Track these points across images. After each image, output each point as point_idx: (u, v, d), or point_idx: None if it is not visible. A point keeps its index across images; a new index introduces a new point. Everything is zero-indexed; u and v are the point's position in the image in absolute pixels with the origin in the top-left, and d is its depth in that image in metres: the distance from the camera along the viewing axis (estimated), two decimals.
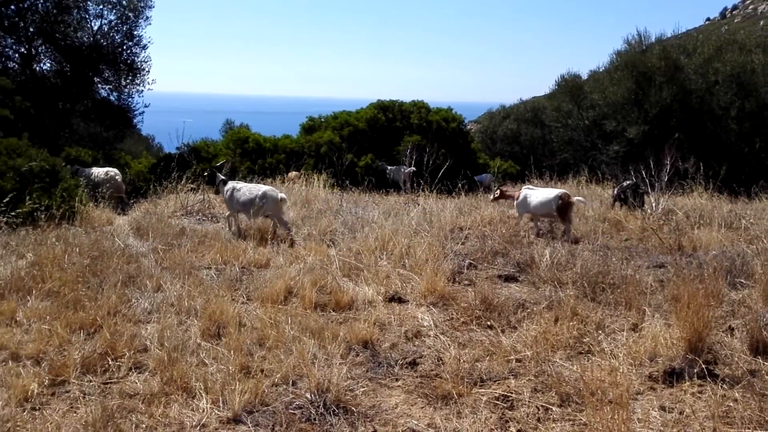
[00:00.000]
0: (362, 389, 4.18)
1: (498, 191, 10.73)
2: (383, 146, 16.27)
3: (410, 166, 15.23)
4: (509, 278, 7.15)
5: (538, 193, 9.53)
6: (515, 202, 9.88)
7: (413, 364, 4.64)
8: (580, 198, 9.64)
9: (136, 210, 11.25)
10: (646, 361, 4.65)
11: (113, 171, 11.23)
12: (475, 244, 8.52)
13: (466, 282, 6.89)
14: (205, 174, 12.27)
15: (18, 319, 5.27)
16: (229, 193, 9.38)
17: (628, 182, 11.45)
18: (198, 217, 10.56)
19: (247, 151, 15.76)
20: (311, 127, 16.50)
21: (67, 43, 16.51)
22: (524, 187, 10.28)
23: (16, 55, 16.50)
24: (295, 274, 6.59)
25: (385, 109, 16.61)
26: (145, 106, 18.56)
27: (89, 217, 10.11)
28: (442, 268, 6.85)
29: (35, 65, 16.56)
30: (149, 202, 12.04)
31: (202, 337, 4.97)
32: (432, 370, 4.52)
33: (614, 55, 21.16)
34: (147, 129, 29.66)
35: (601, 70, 22.25)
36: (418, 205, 12.61)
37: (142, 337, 4.89)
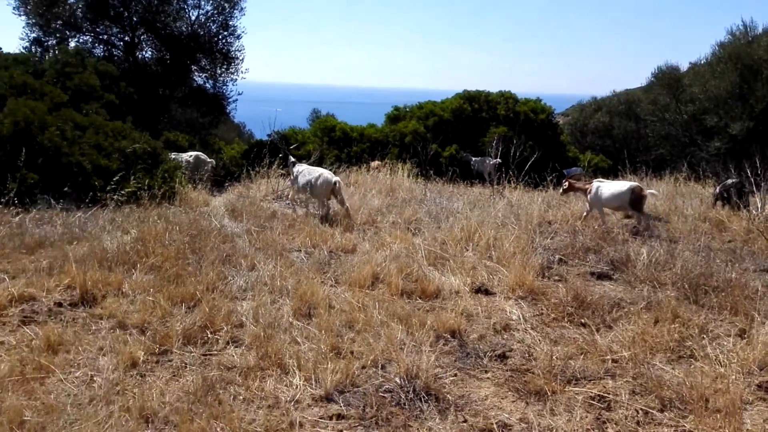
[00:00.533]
0: (451, 378, 4.15)
1: (566, 183, 10.42)
2: (468, 137, 16.07)
3: (496, 158, 14.97)
4: (602, 276, 6.88)
5: (610, 186, 9.32)
6: (588, 196, 9.61)
7: (503, 357, 4.56)
8: (652, 190, 9.44)
9: (230, 193, 11.69)
10: (756, 369, 4.34)
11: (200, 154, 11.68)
12: (565, 240, 8.27)
13: (556, 277, 6.69)
14: (280, 156, 12.64)
15: (124, 290, 5.59)
16: (295, 174, 9.89)
17: (731, 180, 10.73)
18: (287, 202, 10.83)
19: (334, 140, 16.01)
20: (396, 116, 16.53)
21: (167, 32, 17.36)
22: (595, 180, 10.00)
23: (121, 43, 17.52)
24: (382, 261, 6.63)
25: (471, 99, 16.39)
26: (239, 94, 19.26)
27: (187, 198, 10.63)
28: (531, 262, 6.69)
29: (137, 53, 17.52)
30: (242, 186, 12.49)
31: (293, 317, 5.09)
32: (522, 365, 4.42)
33: (717, 47, 19.84)
34: (238, 117, 30.79)
35: (702, 62, 20.96)
36: (504, 197, 12.40)
37: (238, 313, 5.07)
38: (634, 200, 8.92)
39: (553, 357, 4.46)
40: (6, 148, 8.94)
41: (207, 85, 19.04)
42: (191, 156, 13.25)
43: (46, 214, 8.32)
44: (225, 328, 4.75)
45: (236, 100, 19.33)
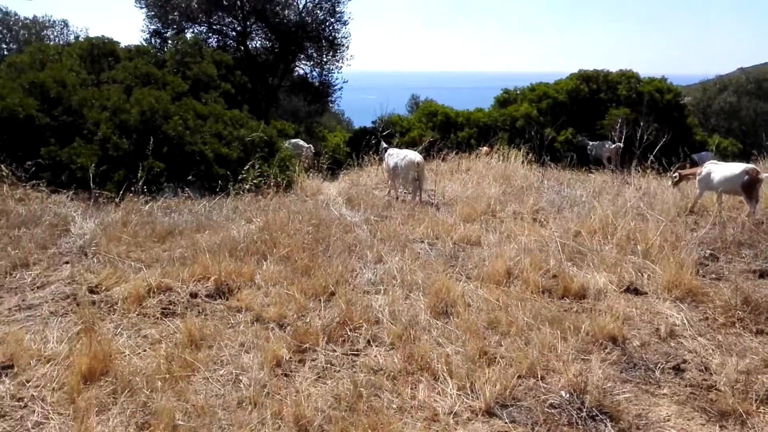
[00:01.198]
0: (625, 394, 3.67)
1: (677, 175, 9.55)
2: (585, 120, 15.12)
3: (616, 142, 13.99)
4: (765, 274, 6.09)
5: (722, 168, 8.52)
6: (697, 178, 8.72)
7: (677, 369, 4.02)
8: None
9: (341, 181, 11.60)
10: None
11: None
12: (710, 232, 7.45)
13: (713, 276, 5.98)
14: (373, 142, 12.51)
15: (257, 281, 5.51)
16: (386, 158, 10.16)
17: None
18: (400, 190, 10.57)
19: (438, 125, 15.59)
20: (506, 100, 15.85)
21: (276, 21, 17.56)
22: (708, 162, 9.07)
23: (233, 33, 17.92)
24: (514, 255, 6.18)
25: (588, 79, 15.39)
26: (344, 82, 19.24)
27: (302, 186, 10.63)
28: (684, 258, 6.00)
29: (249, 42, 17.86)
30: (353, 174, 12.41)
31: (431, 314, 4.78)
32: (704, 380, 3.86)
33: None
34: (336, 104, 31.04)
35: None
36: (629, 184, 11.51)
37: (374, 309, 4.82)
38: (748, 184, 8.11)
39: (736, 370, 3.87)
40: (133, 137, 9.25)
41: (313, 73, 19.17)
42: (289, 143, 13.36)
43: (173, 202, 8.51)
44: (364, 326, 4.51)
45: (341, 88, 19.35)
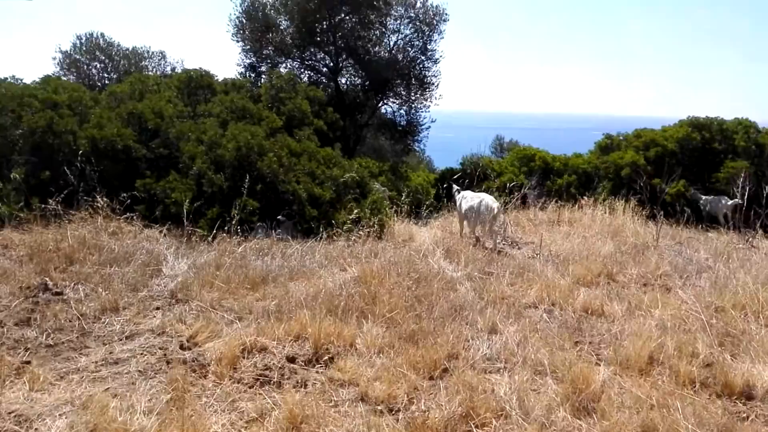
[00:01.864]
0: None
1: None
2: (696, 172, 13.91)
3: (735, 197, 12.70)
4: None
5: None
6: None
7: None
8: None
9: (432, 227, 10.98)
10: None
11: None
12: None
13: None
14: (445, 186, 11.93)
15: (358, 346, 4.92)
16: (459, 201, 10.00)
17: None
18: (499, 241, 9.83)
19: (533, 171, 14.77)
20: (608, 146, 14.85)
21: (367, 58, 17.42)
22: None
23: (325, 69, 17.92)
24: (654, 335, 5.30)
25: (700, 127, 14.18)
26: (432, 121, 18.81)
27: (394, 231, 10.08)
28: None
29: (339, 78, 17.77)
30: (443, 218, 11.78)
31: (569, 411, 4.00)
32: None
33: None
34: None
35: None
36: (755, 248, 10.28)
37: (498, 397, 4.10)
38: None
39: None
40: (227, 172, 9.02)
41: (401, 111, 18.84)
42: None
43: (264, 243, 8.14)
44: (493, 422, 3.79)
45: (429, 127, 18.90)
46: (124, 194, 8.62)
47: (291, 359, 4.66)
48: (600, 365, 4.79)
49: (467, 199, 9.76)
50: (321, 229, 8.85)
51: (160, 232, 8.52)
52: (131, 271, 6.51)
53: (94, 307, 5.49)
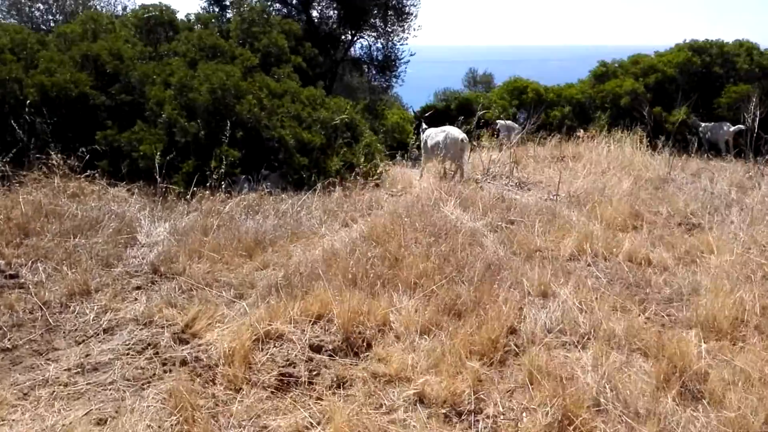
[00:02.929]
0: None
1: None
2: (696, 98, 13.17)
3: (737, 123, 12.10)
4: None
5: None
6: None
7: None
8: None
9: (424, 170, 10.04)
10: None
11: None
12: None
13: None
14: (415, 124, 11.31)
15: (393, 326, 4.06)
16: (423, 139, 9.67)
17: None
18: (505, 182, 8.99)
19: (526, 103, 13.83)
20: (603, 74, 13.92)
21: None
22: None
23: (295, 0, 16.34)
24: (728, 288, 4.57)
25: (700, 51, 13.35)
26: (411, 55, 17.50)
27: (388, 177, 9.13)
28: None
29: (311, 10, 16.27)
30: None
31: (674, 398, 3.24)
32: None
33: None
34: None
35: None
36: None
37: (588, 386, 3.31)
38: None
39: None
40: (202, 120, 7.85)
41: (378, 44, 17.45)
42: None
43: (251, 199, 7.12)
44: (599, 424, 2.99)
45: (408, 61, 17.59)
46: (83, 149, 7.41)
47: (316, 348, 3.78)
48: (683, 331, 4.04)
49: (431, 135, 9.46)
50: (313, 179, 7.86)
51: (129, 190, 7.41)
52: (100, 241, 5.46)
53: (59, 291, 4.48)
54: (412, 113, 17.07)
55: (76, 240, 5.47)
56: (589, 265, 5.39)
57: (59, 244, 5.32)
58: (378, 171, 8.80)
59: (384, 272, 4.85)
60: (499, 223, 6.45)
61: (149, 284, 4.79)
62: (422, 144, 9.86)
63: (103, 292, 4.57)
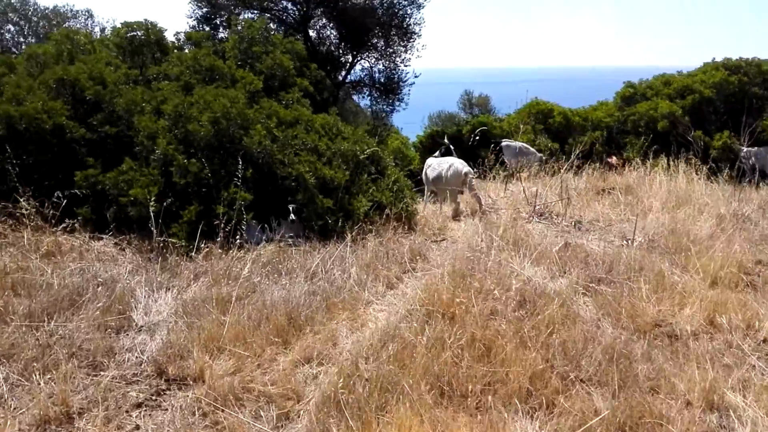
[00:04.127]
0: None
1: None
2: (732, 121, 12.18)
3: None
4: None
5: None
6: None
7: None
8: None
9: (452, 205, 8.75)
10: None
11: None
12: None
13: None
14: (443, 149, 10.16)
15: None
16: (425, 169, 8.94)
17: None
18: (557, 221, 7.75)
19: (551, 128, 12.69)
20: (632, 96, 12.87)
21: (341, 5, 14.76)
22: None
23: (291, 20, 15.15)
24: None
25: (735, 69, 12.40)
26: (416, 76, 16.36)
27: (419, 218, 7.84)
28: None
29: (310, 30, 15.08)
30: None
31: None
32: None
33: None
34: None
35: None
36: None
37: None
38: None
39: None
40: (202, 156, 6.50)
41: (379, 66, 16.31)
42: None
43: (269, 253, 5.79)
44: None
45: (413, 83, 16.45)
46: (59, 193, 6.05)
47: None
48: None
49: (433, 166, 8.70)
50: (340, 225, 6.55)
51: (117, 245, 6.03)
52: (84, 326, 4.08)
53: (27, 420, 3.10)
54: (416, 137, 15.90)
55: (52, 324, 4.08)
56: (731, 346, 4.12)
57: (28, 331, 3.93)
58: (410, 211, 7.50)
59: (478, 371, 3.54)
60: (586, 283, 5.17)
61: (154, 398, 3.43)
62: (423, 175, 9.02)
63: (89, 415, 3.20)
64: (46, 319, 4.16)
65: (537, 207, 8.03)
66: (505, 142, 11.78)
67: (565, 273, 5.44)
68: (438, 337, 3.98)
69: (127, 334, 4.13)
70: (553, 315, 4.32)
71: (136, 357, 3.80)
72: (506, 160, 11.52)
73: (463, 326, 4.13)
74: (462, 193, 8.35)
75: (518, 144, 11.76)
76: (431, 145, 14.30)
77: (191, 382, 3.54)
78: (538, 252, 6.01)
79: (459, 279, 5.04)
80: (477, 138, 11.07)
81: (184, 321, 4.19)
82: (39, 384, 3.36)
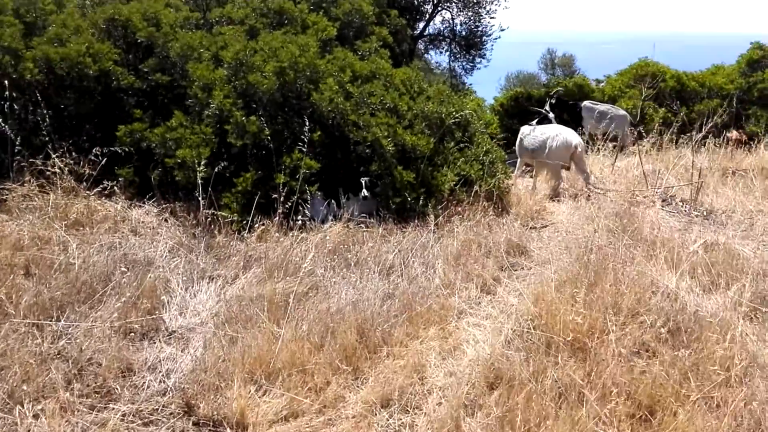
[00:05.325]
0: None
1: None
2: None
3: None
4: None
5: None
6: None
7: None
8: None
9: (540, 179, 7.43)
10: None
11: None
12: None
13: None
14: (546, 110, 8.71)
15: None
16: (520, 137, 7.62)
17: None
18: (684, 211, 6.34)
19: (662, 93, 10.98)
20: (759, 60, 10.95)
21: None
22: None
23: None
24: None
25: None
26: (502, 30, 14.74)
27: (511, 197, 6.61)
28: None
29: None
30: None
31: None
32: None
33: None
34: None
35: None
36: None
37: None
38: None
39: None
40: (264, 113, 5.48)
41: (459, 18, 14.75)
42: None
43: (335, 234, 4.76)
44: None
45: (498, 37, 14.85)
46: (98, 150, 5.17)
47: None
48: None
49: (533, 135, 7.35)
50: (421, 204, 5.42)
51: (160, 214, 5.13)
52: (99, 326, 3.17)
53: None
54: (494, 100, 14.40)
55: (61, 324, 3.19)
56: None
57: (27, 335, 3.04)
58: (502, 188, 6.29)
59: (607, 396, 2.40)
60: (755, 305, 3.88)
61: None
62: (517, 143, 7.71)
63: None
64: (55, 314, 3.27)
65: (659, 191, 6.63)
66: (585, 104, 10.31)
67: (716, 286, 4.14)
68: (567, 381, 2.85)
69: (153, 343, 3.20)
70: (726, 356, 3.09)
71: (159, 382, 2.86)
72: (586, 125, 10.10)
73: (599, 365, 2.98)
74: (568, 168, 7.02)
75: (601, 105, 10.26)
76: (515, 108, 12.88)
77: (228, 430, 2.56)
78: (673, 252, 4.72)
79: (578, 287, 3.85)
80: (553, 101, 9.75)
81: (225, 330, 3.20)
82: (24, 419, 2.45)
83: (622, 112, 10.16)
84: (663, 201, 6.48)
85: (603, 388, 2.87)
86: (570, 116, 10.36)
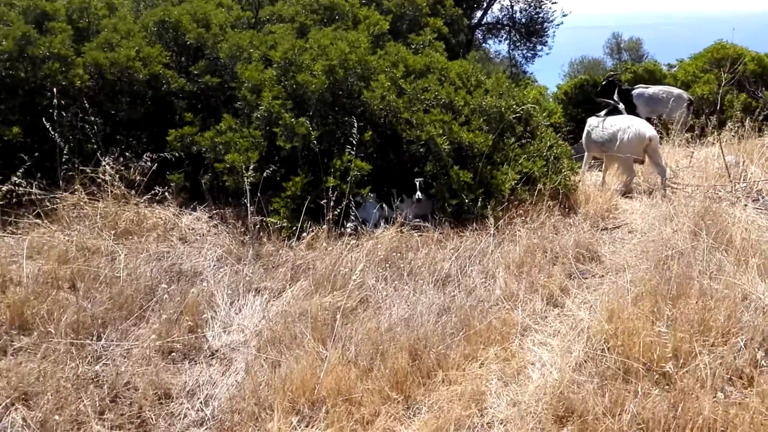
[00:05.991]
0: None
1: None
2: None
3: None
4: None
5: None
6: None
7: None
8: None
9: (611, 173, 6.90)
10: None
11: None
12: None
13: None
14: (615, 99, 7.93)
15: None
16: (587, 129, 7.08)
17: None
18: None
19: (742, 79, 10.13)
20: None
21: None
22: None
23: None
24: None
25: None
26: (564, 15, 14.10)
27: (578, 195, 6.15)
28: None
29: None
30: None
31: None
32: None
33: None
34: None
35: None
36: None
37: None
38: None
39: None
40: (314, 114, 5.26)
41: (520, 4, 14.20)
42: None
43: (388, 240, 4.49)
44: None
45: (561, 23, 14.21)
46: (149, 155, 5.10)
47: None
48: None
49: (602, 127, 6.78)
50: (479, 206, 5.07)
51: (211, 219, 5.01)
52: (138, 346, 3.03)
53: None
54: (557, 87, 13.71)
55: (101, 343, 3.07)
56: None
57: (67, 355, 2.93)
58: (568, 186, 5.85)
59: None
60: None
61: None
62: (584, 136, 7.20)
63: None
64: (96, 331, 3.16)
65: (744, 185, 6.03)
66: (637, 89, 9.52)
67: None
68: (649, 416, 2.48)
69: (195, 364, 3.04)
70: None
71: (197, 410, 2.67)
72: (641, 112, 9.31)
73: (687, 396, 2.59)
74: (642, 162, 6.49)
75: (651, 88, 9.44)
76: (580, 97, 12.21)
77: None
78: (765, 258, 4.20)
79: (659, 300, 3.44)
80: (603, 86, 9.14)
81: (267, 353, 3.00)
82: None
83: (677, 91, 9.39)
84: (749, 197, 5.87)
85: (692, 425, 2.49)
86: (625, 103, 9.65)
